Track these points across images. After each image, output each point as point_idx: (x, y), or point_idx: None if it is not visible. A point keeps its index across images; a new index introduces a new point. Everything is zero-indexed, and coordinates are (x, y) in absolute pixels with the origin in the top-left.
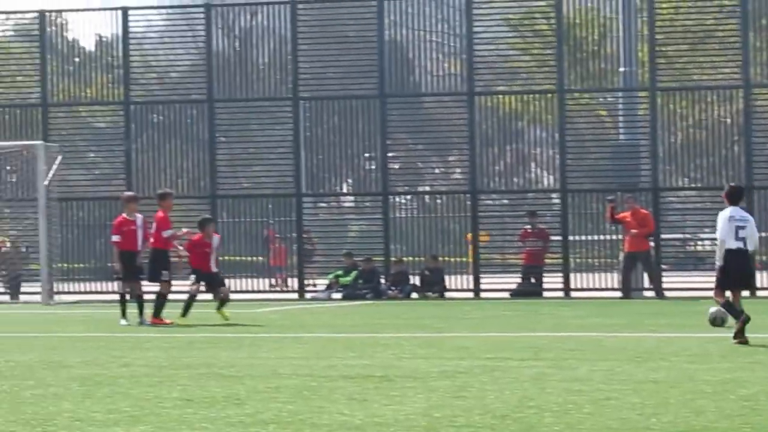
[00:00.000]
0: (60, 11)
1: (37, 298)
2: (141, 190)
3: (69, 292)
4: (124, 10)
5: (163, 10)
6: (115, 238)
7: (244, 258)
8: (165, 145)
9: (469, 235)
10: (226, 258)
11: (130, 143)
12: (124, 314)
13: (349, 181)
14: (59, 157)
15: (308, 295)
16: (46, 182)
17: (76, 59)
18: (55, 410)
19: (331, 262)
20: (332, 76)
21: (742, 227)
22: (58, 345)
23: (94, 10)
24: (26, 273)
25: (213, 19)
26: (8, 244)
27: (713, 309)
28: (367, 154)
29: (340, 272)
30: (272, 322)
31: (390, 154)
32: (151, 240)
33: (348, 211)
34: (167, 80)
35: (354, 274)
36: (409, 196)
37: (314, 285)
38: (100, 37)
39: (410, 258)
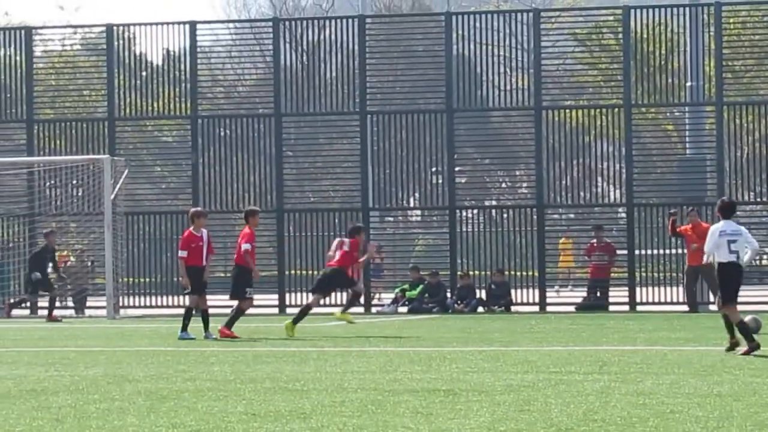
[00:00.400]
0: (128, 25)
1: (103, 312)
2: (208, 205)
3: (134, 306)
4: (192, 24)
5: (231, 24)
6: (182, 253)
7: (309, 272)
8: (232, 160)
9: (563, 240)
10: (293, 272)
11: (197, 157)
12: (185, 328)
13: (416, 195)
14: (125, 171)
15: (374, 309)
16: (112, 196)
17: (143, 73)
18: (120, 424)
19: (398, 276)
20: (400, 91)
21: (734, 241)
22: (123, 359)
23: (162, 24)
24: (92, 287)
25: (281, 33)
26: (73, 259)
27: (748, 318)
28: (434, 169)
29: (406, 286)
30: (337, 335)
31: (457, 169)
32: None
33: (415, 225)
34: (234, 94)
35: (420, 288)
36: (475, 210)
37: (380, 299)
38: (168, 51)
39: (476, 272)
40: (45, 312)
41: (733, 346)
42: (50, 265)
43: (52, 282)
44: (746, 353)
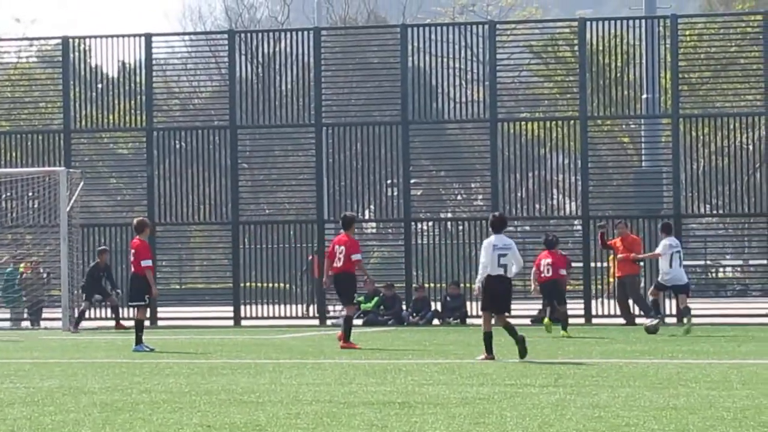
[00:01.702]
0: (83, 37)
1: (59, 324)
2: (163, 217)
3: (91, 319)
4: (148, 37)
5: (187, 37)
6: (148, 262)
7: (264, 285)
8: (187, 172)
9: None
10: (248, 285)
11: (153, 169)
12: (140, 340)
13: (372, 207)
14: (81, 183)
15: (329, 321)
16: (68, 208)
17: (99, 85)
18: None
19: None
20: (355, 103)
21: (504, 255)
22: (79, 371)
23: (117, 36)
24: (47, 299)
25: (236, 45)
26: (29, 270)
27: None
28: (389, 181)
29: (361, 298)
30: (293, 348)
31: (412, 181)
32: (338, 264)
33: (370, 237)
34: (190, 106)
35: (376, 300)
36: (431, 223)
37: (335, 310)
38: (123, 63)
39: (432, 284)
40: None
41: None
42: (105, 281)
43: (113, 295)
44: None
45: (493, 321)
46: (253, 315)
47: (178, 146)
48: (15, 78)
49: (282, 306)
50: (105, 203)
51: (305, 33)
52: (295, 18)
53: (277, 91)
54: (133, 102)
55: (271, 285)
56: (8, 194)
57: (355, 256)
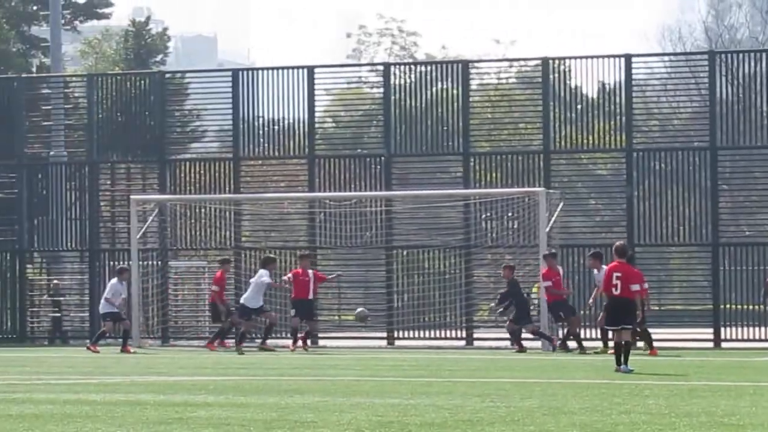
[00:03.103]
0: (563, 58)
1: (537, 344)
2: (642, 238)
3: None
4: (628, 58)
5: (666, 57)
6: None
7: (745, 306)
8: (667, 193)
9: None
10: (728, 306)
11: (632, 190)
12: (623, 361)
13: None
14: (561, 204)
15: None
16: (547, 229)
17: (579, 106)
18: None
19: None
20: None
21: None
22: (558, 391)
23: (597, 57)
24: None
25: (716, 66)
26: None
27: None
28: None
29: None
30: None
31: None
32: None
33: None
34: (670, 127)
35: None
36: None
37: None
38: (603, 84)
39: None
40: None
41: None
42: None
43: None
44: None
45: None
46: (734, 337)
47: (657, 167)
48: (495, 99)
49: (762, 328)
50: (584, 224)
51: None
52: None
53: (758, 111)
54: (612, 123)
55: (751, 307)
56: (488, 214)
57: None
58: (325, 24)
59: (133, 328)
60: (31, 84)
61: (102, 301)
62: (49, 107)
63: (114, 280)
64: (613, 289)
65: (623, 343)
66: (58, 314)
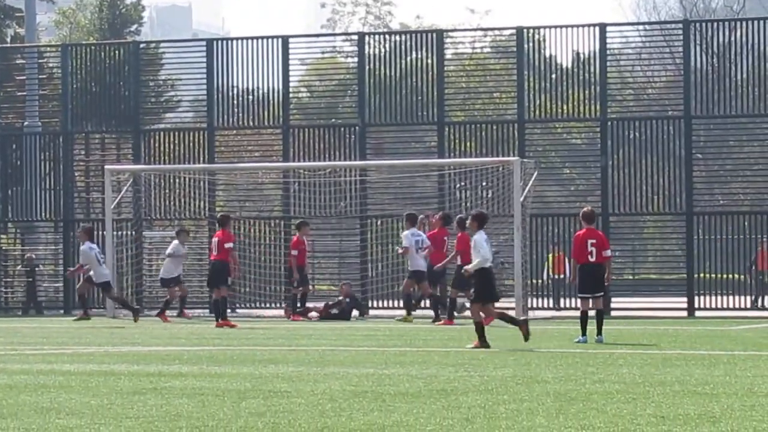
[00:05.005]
0: (537, 27)
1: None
2: (616, 207)
3: (542, 308)
4: (602, 27)
5: (641, 27)
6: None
7: (718, 276)
8: (641, 162)
9: None
10: (702, 276)
11: (606, 160)
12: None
13: None
14: (535, 173)
15: None
16: (521, 198)
17: (553, 76)
18: (529, 425)
19: None
20: None
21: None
22: (532, 360)
23: (571, 26)
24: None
25: (691, 35)
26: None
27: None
28: None
29: None
30: (747, 339)
31: None
32: None
33: None
34: (644, 97)
35: None
36: None
37: None
38: (578, 53)
39: None
40: None
41: None
42: None
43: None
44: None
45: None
46: (707, 306)
47: (631, 136)
48: (470, 68)
49: (736, 297)
50: (558, 193)
51: (762, 22)
52: (750, 8)
53: (732, 80)
54: (586, 92)
55: (725, 276)
56: (462, 184)
57: None
58: None
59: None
60: (5, 54)
61: (166, 266)
62: (24, 77)
63: (175, 242)
64: (589, 256)
65: (597, 311)
66: (32, 284)
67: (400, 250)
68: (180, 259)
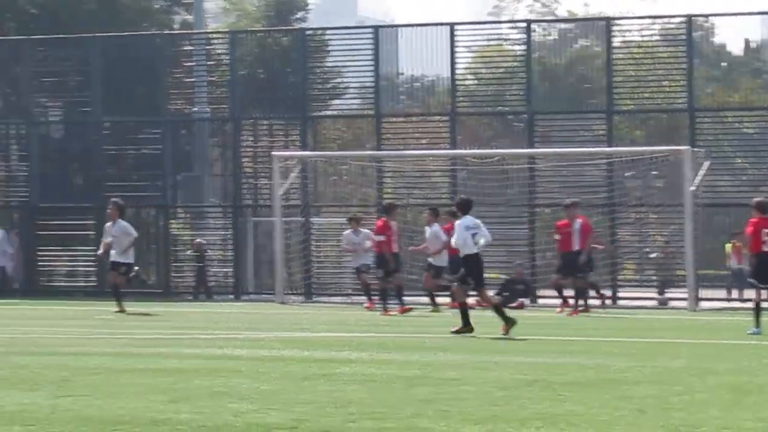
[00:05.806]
0: (707, 15)
1: (683, 303)
2: None
3: (713, 299)
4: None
5: None
6: None
7: None
8: None
9: None
10: None
11: None
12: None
13: None
14: (706, 163)
15: None
16: (693, 188)
17: (723, 64)
18: (703, 417)
19: None
20: None
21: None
22: (706, 352)
23: (741, 14)
24: (675, 279)
25: None
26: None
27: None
28: None
29: None
30: None
31: None
32: None
33: None
34: None
35: None
36: None
37: None
38: (748, 41)
39: None
40: None
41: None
42: None
43: None
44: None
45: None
46: None
47: None
48: (639, 56)
49: None
50: (730, 183)
51: None
52: None
53: None
54: (758, 81)
55: None
56: (632, 173)
57: None
58: None
59: (276, 284)
60: (173, 41)
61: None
62: (192, 64)
63: (347, 232)
64: (763, 246)
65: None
66: (203, 269)
67: None
68: (357, 247)
